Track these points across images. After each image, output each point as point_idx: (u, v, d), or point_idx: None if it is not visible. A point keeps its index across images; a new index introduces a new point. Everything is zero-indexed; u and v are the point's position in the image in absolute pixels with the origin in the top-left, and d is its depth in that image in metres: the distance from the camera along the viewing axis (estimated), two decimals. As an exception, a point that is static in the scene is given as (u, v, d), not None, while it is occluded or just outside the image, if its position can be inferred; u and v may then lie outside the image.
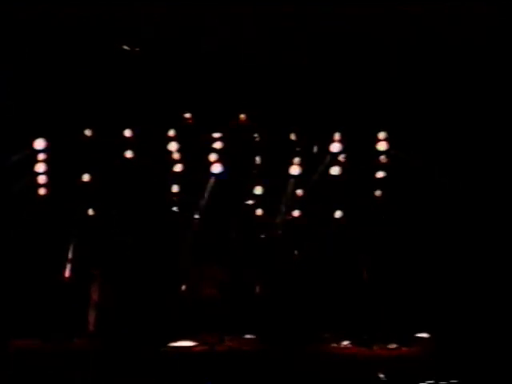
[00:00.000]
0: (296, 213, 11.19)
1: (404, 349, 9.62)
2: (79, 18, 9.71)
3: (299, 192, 11.14)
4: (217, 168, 11.12)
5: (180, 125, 11.00)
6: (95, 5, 9.54)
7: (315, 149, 11.04)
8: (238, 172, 11.17)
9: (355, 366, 9.14)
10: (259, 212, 11.18)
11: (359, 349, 9.69)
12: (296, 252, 10.78)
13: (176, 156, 11.07)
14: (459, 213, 10.34)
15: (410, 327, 9.88)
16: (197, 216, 10.98)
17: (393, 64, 9.91)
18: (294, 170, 11.16)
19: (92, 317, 9.81)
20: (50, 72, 10.36)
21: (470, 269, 10.14)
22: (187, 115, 11.03)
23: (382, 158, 10.80)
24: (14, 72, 10.16)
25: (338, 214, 10.98)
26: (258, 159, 11.14)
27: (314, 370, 8.99)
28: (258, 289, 10.53)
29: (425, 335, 9.88)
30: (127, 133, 10.91)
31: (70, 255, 9.91)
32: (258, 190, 11.18)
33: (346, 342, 9.89)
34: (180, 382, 8.93)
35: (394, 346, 9.66)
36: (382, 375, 8.79)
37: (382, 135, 10.80)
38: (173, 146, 11.05)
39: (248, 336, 10.02)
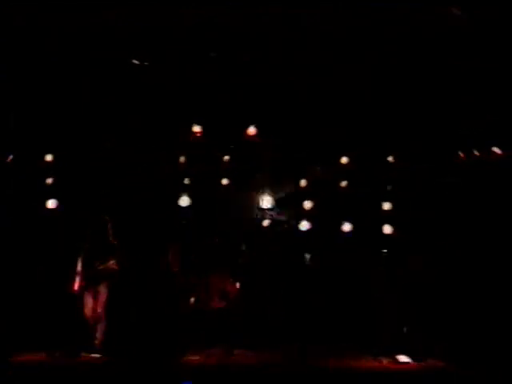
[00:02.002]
0: (305, 225, 11.17)
1: (414, 363, 9.53)
2: (88, 33, 9.74)
3: (308, 205, 11.13)
4: (226, 181, 11.14)
5: (189, 139, 11.03)
6: (107, 18, 9.57)
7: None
8: (248, 185, 11.18)
9: (364, 379, 9.04)
10: (267, 224, 11.17)
11: (369, 362, 9.60)
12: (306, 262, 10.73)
13: (185, 169, 11.10)
14: (468, 225, 10.28)
15: (421, 341, 9.78)
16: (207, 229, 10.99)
17: (398, 78, 9.89)
18: (303, 183, 11.18)
19: (100, 330, 9.72)
20: (60, 87, 10.39)
21: (482, 282, 10.05)
22: (196, 129, 11.05)
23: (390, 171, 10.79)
24: (25, 86, 10.20)
25: (346, 227, 10.95)
26: (266, 172, 11.17)
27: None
28: (267, 302, 10.51)
29: (436, 349, 9.79)
30: (136, 146, 10.95)
31: (78, 268, 9.85)
32: (268, 203, 11.19)
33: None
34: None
35: (404, 359, 9.57)
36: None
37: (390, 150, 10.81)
38: (182, 160, 11.09)
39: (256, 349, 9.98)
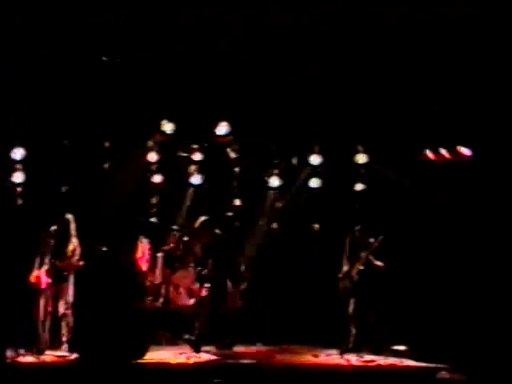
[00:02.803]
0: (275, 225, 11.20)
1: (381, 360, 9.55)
2: (65, 30, 9.71)
3: (278, 204, 11.16)
4: (196, 179, 11.13)
5: (159, 136, 10.99)
6: (81, 15, 9.55)
7: (294, 161, 11.06)
8: (217, 183, 11.17)
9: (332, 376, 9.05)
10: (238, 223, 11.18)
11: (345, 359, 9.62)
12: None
13: (155, 167, 11.07)
14: (441, 222, 10.36)
15: (388, 338, 9.84)
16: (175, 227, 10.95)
17: (371, 75, 9.93)
18: (274, 181, 11.18)
19: (66, 328, 9.64)
20: (31, 81, 10.32)
21: (458, 279, 10.11)
22: (167, 127, 11.01)
23: (361, 170, 10.82)
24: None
25: (316, 225, 10.99)
26: (237, 170, 11.17)
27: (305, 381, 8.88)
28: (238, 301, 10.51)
29: (402, 348, 9.84)
30: (106, 143, 10.90)
31: (43, 264, 9.72)
32: (237, 202, 11.20)
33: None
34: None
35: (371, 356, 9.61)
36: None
37: (360, 148, 10.84)
38: (152, 157, 11.05)
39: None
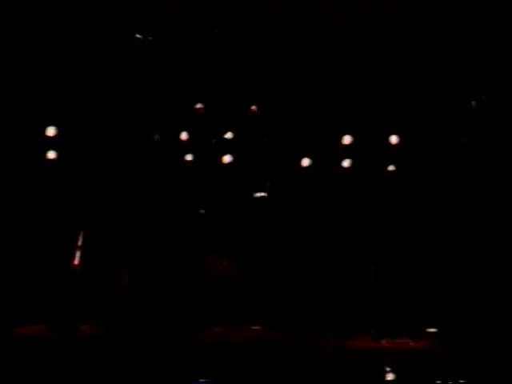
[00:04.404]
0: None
1: (412, 343, 9.58)
2: (91, 9, 9.73)
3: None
4: (227, 159, 11.12)
5: (191, 116, 11.00)
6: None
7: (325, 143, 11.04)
8: (248, 164, 11.17)
9: (362, 359, 9.10)
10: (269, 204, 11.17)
11: (367, 342, 9.65)
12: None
13: (186, 147, 11.09)
14: (466, 208, 10.33)
15: (419, 321, 9.85)
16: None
17: (403, 60, 9.90)
18: (305, 162, 11.15)
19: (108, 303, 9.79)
20: (62, 61, 10.37)
21: (479, 263, 10.11)
22: (198, 106, 11.01)
23: (393, 153, 10.79)
24: (26, 61, 10.18)
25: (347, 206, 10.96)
26: (268, 152, 11.17)
27: (319, 364, 8.94)
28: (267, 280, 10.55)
29: (433, 330, 9.86)
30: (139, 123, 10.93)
31: (79, 242, 9.88)
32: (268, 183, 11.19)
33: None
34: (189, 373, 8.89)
35: (402, 340, 9.63)
36: (388, 369, 8.76)
37: (392, 133, 10.80)
38: (183, 137, 11.07)
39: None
